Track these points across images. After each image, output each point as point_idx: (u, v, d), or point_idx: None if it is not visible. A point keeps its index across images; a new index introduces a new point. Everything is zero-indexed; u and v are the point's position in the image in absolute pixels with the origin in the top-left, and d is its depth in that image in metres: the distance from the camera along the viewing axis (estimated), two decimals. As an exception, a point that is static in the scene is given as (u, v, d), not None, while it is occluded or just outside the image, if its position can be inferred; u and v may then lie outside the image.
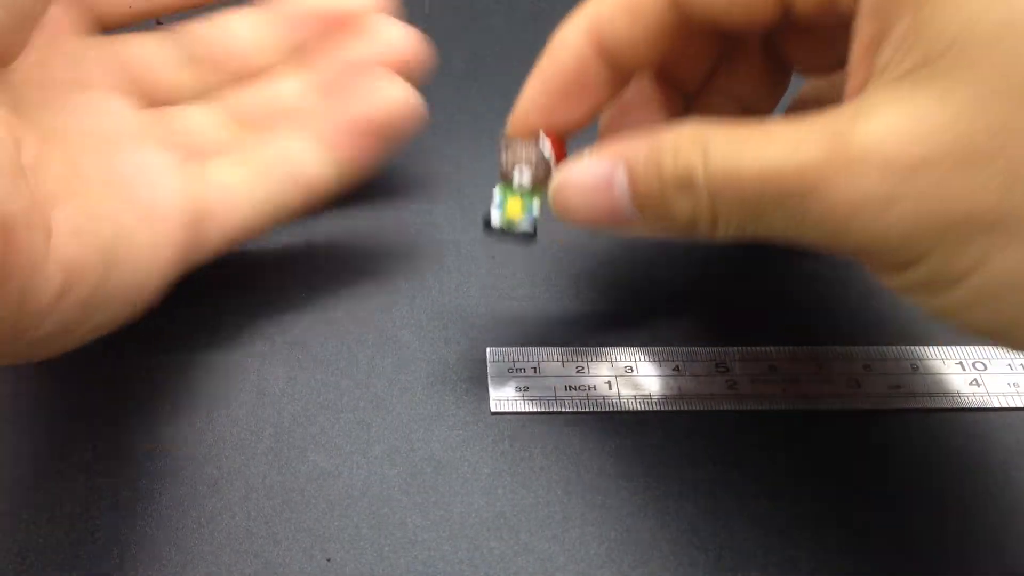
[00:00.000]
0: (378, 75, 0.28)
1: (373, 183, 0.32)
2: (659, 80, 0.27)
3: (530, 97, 0.25)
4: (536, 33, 0.38)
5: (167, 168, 0.26)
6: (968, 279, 0.18)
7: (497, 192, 0.26)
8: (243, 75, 0.29)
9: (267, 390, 0.27)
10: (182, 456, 0.26)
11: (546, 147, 0.25)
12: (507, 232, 0.26)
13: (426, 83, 0.30)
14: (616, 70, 0.24)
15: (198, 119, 0.29)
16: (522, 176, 0.25)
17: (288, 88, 0.29)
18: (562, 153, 0.25)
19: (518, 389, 0.27)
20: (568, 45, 0.24)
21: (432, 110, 0.35)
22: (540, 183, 0.25)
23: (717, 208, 0.21)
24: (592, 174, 0.23)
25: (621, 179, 0.22)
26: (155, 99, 0.29)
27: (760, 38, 0.26)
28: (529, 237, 0.26)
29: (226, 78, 0.29)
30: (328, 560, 0.24)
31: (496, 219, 0.25)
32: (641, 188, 0.22)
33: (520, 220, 0.25)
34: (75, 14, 0.28)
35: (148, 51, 0.29)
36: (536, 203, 0.25)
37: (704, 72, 0.27)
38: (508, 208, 0.25)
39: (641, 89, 0.27)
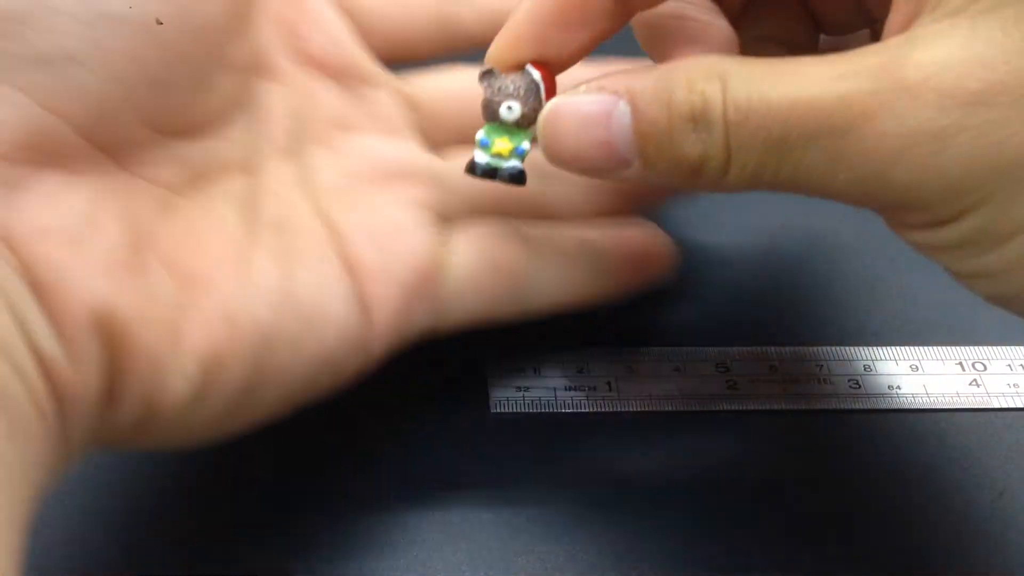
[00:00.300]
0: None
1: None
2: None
3: (519, 24, 0.22)
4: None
5: (417, 240, 0.24)
6: (1017, 238, 0.17)
7: (482, 132, 0.23)
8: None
9: (266, 389, 0.27)
10: (181, 455, 0.25)
11: (536, 75, 0.22)
12: (493, 174, 0.23)
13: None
14: (621, 1, 0.22)
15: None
16: (511, 111, 0.22)
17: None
18: (553, 90, 0.22)
19: (518, 389, 0.27)
20: None
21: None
22: (530, 120, 0.22)
23: (733, 146, 0.18)
24: (588, 106, 0.20)
25: (622, 113, 0.19)
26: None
27: None
28: (518, 179, 0.23)
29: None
30: (327, 560, 0.24)
31: (482, 159, 0.23)
32: (645, 123, 0.19)
33: (508, 160, 0.23)
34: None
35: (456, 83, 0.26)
36: (527, 143, 0.23)
37: (739, 7, 0.24)
38: (495, 147, 0.23)
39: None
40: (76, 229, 0.18)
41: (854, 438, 0.27)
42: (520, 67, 0.22)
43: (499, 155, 0.23)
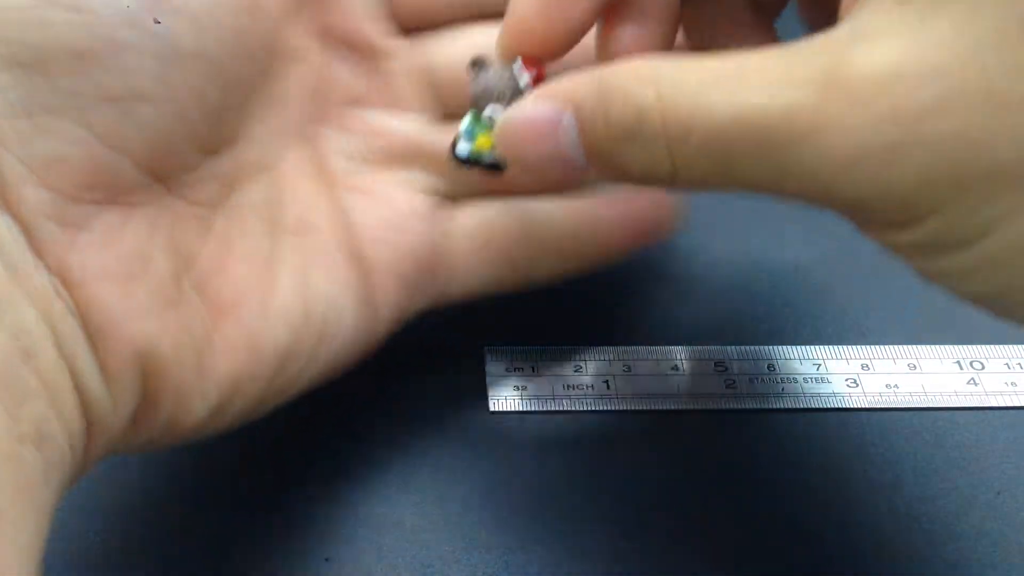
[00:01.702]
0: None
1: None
2: None
3: (520, 4, 0.21)
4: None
5: (412, 219, 0.25)
6: (981, 241, 0.16)
7: (467, 120, 0.23)
8: None
9: (264, 388, 0.27)
10: (178, 454, 0.25)
11: (523, 78, 0.22)
12: (474, 163, 0.23)
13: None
14: None
15: None
16: (494, 112, 0.22)
17: None
18: (541, 78, 0.22)
19: (516, 388, 0.27)
20: None
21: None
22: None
23: (677, 160, 0.17)
24: (537, 118, 0.20)
25: (569, 123, 0.19)
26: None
27: None
28: (496, 169, 0.23)
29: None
30: (326, 559, 0.24)
31: (464, 150, 0.23)
32: (588, 136, 0.19)
33: (488, 152, 0.23)
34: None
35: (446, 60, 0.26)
36: None
37: None
38: (477, 141, 0.23)
39: None
40: (129, 268, 0.18)
41: (852, 437, 0.27)
42: (511, 59, 0.22)
43: (480, 150, 0.23)
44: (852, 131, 0.16)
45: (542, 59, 0.22)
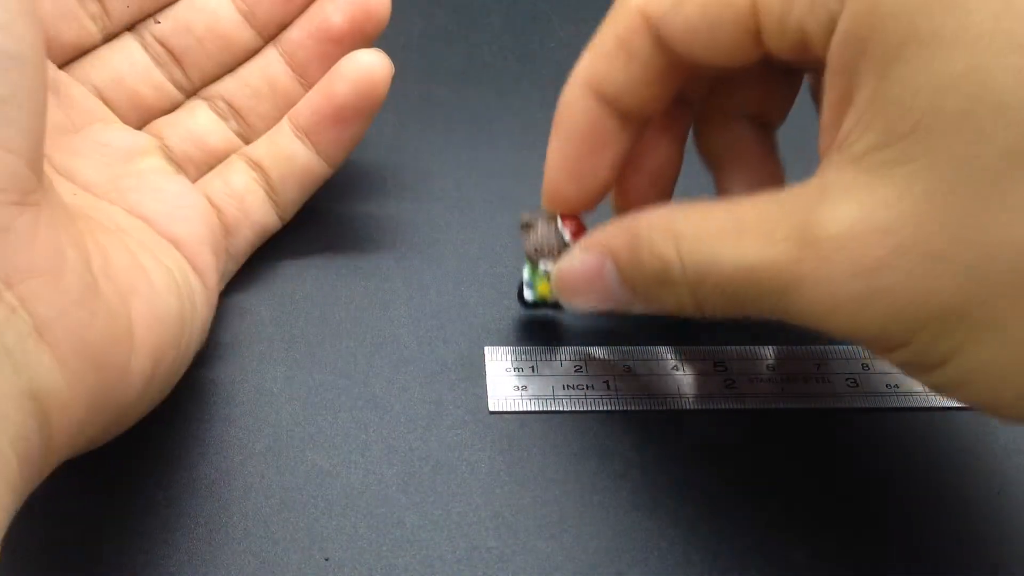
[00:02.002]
0: (347, 42, 0.29)
1: (372, 182, 0.32)
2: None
3: (555, 166, 0.25)
4: (534, 33, 0.38)
5: (191, 195, 0.27)
6: (948, 365, 0.18)
7: (526, 272, 0.27)
8: (226, 57, 0.29)
9: (265, 389, 0.27)
10: (179, 455, 0.26)
11: (565, 233, 0.26)
12: (540, 305, 0.27)
13: (425, 83, 0.30)
14: (626, 118, 0.24)
15: (202, 122, 0.29)
16: (547, 265, 0.26)
17: (268, 68, 0.29)
18: (580, 230, 0.26)
19: (516, 388, 0.27)
20: (574, 105, 0.24)
21: (431, 109, 0.35)
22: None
23: (700, 298, 0.21)
24: (584, 268, 0.24)
25: (611, 271, 0.23)
26: (151, 108, 0.29)
27: None
28: (559, 307, 0.27)
29: (211, 66, 0.29)
30: (326, 559, 0.24)
31: (529, 296, 0.27)
32: (628, 280, 0.23)
33: (551, 295, 0.27)
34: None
35: (129, 61, 0.29)
36: None
37: (706, 87, 0.26)
38: (539, 289, 0.27)
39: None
40: (53, 264, 0.19)
41: (852, 437, 0.27)
42: (553, 216, 0.26)
43: (544, 295, 0.27)
44: (825, 285, 0.19)
45: (576, 212, 0.26)
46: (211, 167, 0.29)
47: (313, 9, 0.29)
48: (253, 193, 0.29)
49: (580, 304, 0.25)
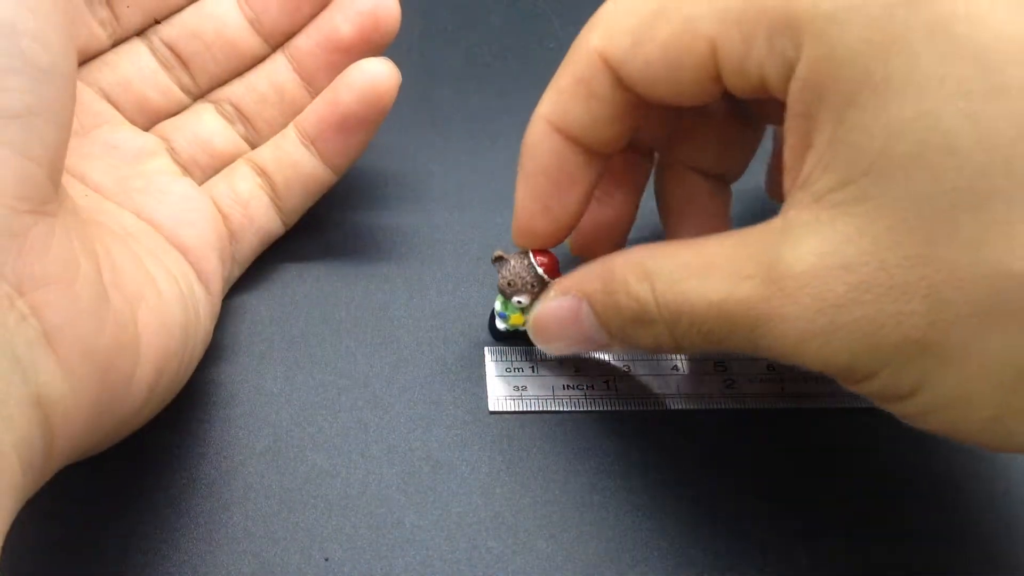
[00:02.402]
0: (354, 51, 0.29)
1: (372, 182, 0.32)
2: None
3: (524, 204, 0.25)
4: (535, 33, 0.38)
5: (198, 199, 0.27)
6: (916, 395, 0.19)
7: (498, 304, 0.27)
8: (233, 63, 0.29)
9: (265, 389, 0.27)
10: (180, 455, 0.26)
11: (536, 265, 0.26)
12: (511, 336, 0.28)
13: (425, 83, 0.30)
14: (591, 153, 0.24)
15: (209, 125, 0.29)
16: (520, 298, 0.26)
17: (276, 74, 0.29)
18: (553, 263, 0.26)
19: (516, 388, 0.27)
20: (539, 144, 0.25)
21: (431, 109, 0.35)
22: (536, 297, 0.26)
23: (677, 337, 0.22)
24: (560, 311, 0.25)
25: (587, 313, 0.24)
26: (158, 111, 0.29)
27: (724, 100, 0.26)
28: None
29: (219, 72, 0.29)
30: (326, 559, 0.24)
31: (502, 326, 0.28)
32: (605, 321, 0.24)
33: (523, 324, 0.27)
34: None
35: (136, 65, 0.29)
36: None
37: (665, 138, 0.27)
38: (512, 319, 0.27)
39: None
40: (66, 273, 0.20)
41: (853, 437, 0.27)
42: (525, 252, 0.26)
43: (516, 325, 0.27)
44: (792, 321, 0.19)
45: (548, 247, 0.26)
46: (216, 170, 0.29)
47: (322, 18, 0.29)
48: (258, 199, 0.29)
49: (557, 348, 0.26)
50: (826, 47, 0.19)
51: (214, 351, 0.28)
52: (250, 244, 0.29)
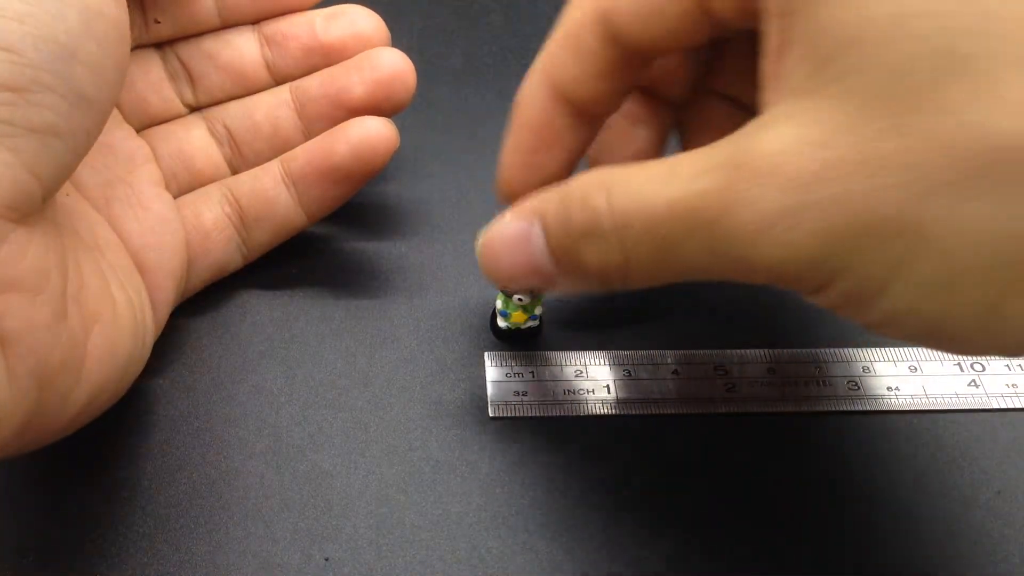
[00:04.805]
0: (360, 113, 0.28)
1: (371, 182, 0.32)
2: (644, 96, 0.27)
3: (508, 158, 0.25)
4: (534, 33, 0.38)
5: (174, 222, 0.27)
6: (890, 288, 0.17)
7: (499, 302, 0.28)
8: (239, 92, 0.29)
9: (265, 390, 0.27)
10: (180, 456, 0.26)
11: None
12: (513, 332, 0.28)
13: (425, 83, 0.30)
14: (581, 115, 0.24)
15: (196, 141, 0.29)
16: (522, 301, 0.27)
17: (276, 109, 0.29)
18: None
19: (516, 393, 0.27)
20: (530, 98, 0.24)
21: (431, 109, 0.35)
22: (538, 293, 0.27)
23: (626, 250, 0.20)
24: (511, 231, 0.23)
25: (537, 235, 0.22)
26: (154, 117, 0.29)
27: (745, 34, 0.25)
28: (532, 335, 0.28)
29: (222, 97, 0.29)
30: (326, 559, 0.24)
31: (503, 324, 0.28)
32: (554, 240, 0.22)
33: (524, 322, 0.27)
34: None
35: (143, 70, 0.29)
36: (537, 309, 0.28)
37: (688, 81, 0.26)
38: (513, 318, 0.27)
39: (626, 111, 0.26)
40: (35, 282, 0.20)
41: (853, 439, 0.27)
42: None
43: (517, 323, 0.28)
44: (755, 203, 0.18)
45: None
46: (192, 188, 0.29)
47: (337, 70, 0.28)
48: (220, 231, 0.28)
49: (504, 275, 0.23)
50: None
51: (214, 350, 0.28)
52: (200, 276, 0.28)
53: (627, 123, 0.27)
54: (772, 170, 0.17)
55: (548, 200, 0.22)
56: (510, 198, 0.25)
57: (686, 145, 0.27)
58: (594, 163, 0.27)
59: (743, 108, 0.26)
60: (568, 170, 0.25)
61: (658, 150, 0.27)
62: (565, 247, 0.21)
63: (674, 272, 0.20)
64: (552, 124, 0.24)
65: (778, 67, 0.19)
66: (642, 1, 0.22)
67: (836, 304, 0.18)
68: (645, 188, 0.19)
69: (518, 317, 0.27)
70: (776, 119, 0.18)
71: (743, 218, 0.18)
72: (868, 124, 0.17)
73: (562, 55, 0.23)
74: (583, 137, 0.25)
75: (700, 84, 0.26)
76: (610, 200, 0.20)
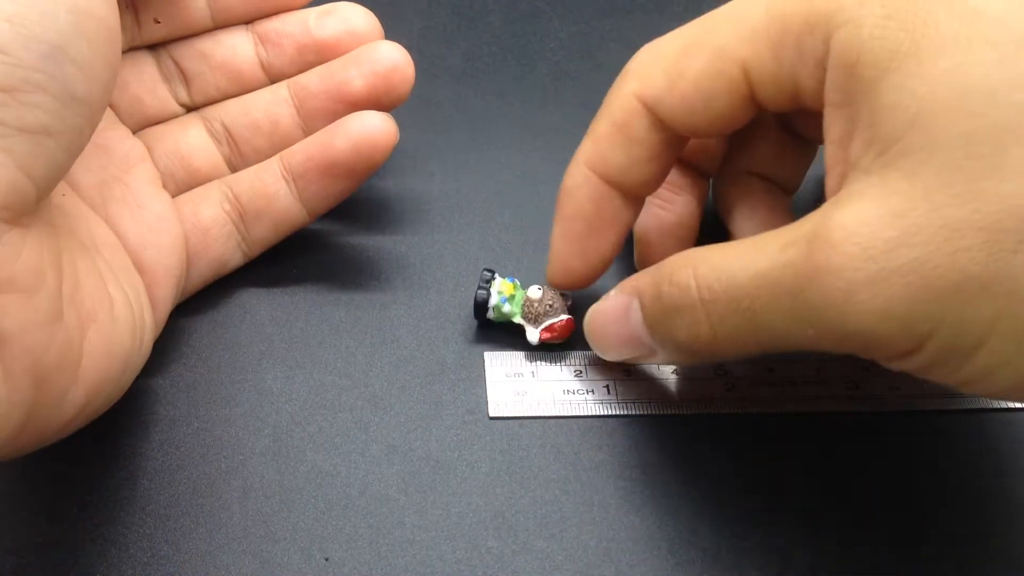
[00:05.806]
0: (360, 107, 0.28)
1: (371, 182, 0.32)
2: (680, 166, 0.28)
3: (560, 247, 0.27)
4: (534, 33, 0.38)
5: (171, 220, 0.27)
6: (988, 342, 0.18)
7: (495, 296, 0.28)
8: (234, 91, 0.29)
9: (265, 390, 0.27)
10: (180, 456, 0.26)
11: (568, 299, 0.28)
12: (501, 323, 0.29)
13: (424, 83, 0.30)
14: (628, 196, 0.26)
15: (193, 140, 0.29)
16: (538, 325, 0.28)
17: (274, 106, 0.29)
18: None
19: (517, 393, 0.27)
20: (578, 188, 0.26)
21: (430, 108, 0.35)
22: (552, 312, 0.28)
23: (713, 323, 0.21)
24: (613, 306, 0.25)
25: (635, 309, 0.24)
26: (149, 118, 0.29)
27: (774, 115, 0.27)
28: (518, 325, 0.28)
29: (218, 96, 0.29)
30: (326, 559, 0.24)
31: (491, 316, 0.28)
32: (648, 315, 0.24)
33: (515, 317, 0.28)
34: None
35: (138, 70, 0.29)
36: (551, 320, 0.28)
37: (719, 155, 0.28)
38: (514, 307, 0.28)
39: (667, 182, 0.28)
40: (30, 282, 0.20)
41: (853, 440, 0.27)
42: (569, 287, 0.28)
43: (501, 317, 0.28)
44: (840, 272, 0.19)
45: (582, 287, 0.28)
46: (190, 187, 0.29)
47: (336, 65, 0.29)
48: (219, 227, 0.28)
49: (608, 350, 0.26)
50: (852, 32, 0.20)
51: (214, 350, 0.28)
52: (200, 274, 0.28)
53: (669, 193, 0.29)
54: (854, 240, 0.19)
55: (642, 279, 0.24)
56: (565, 282, 0.27)
57: (722, 211, 0.29)
58: (640, 235, 0.29)
59: (772, 182, 0.28)
60: (619, 248, 0.27)
61: (697, 217, 0.29)
62: (658, 320, 0.23)
63: (759, 343, 0.21)
64: (603, 210, 0.26)
65: (846, 152, 0.20)
66: (692, 92, 0.23)
67: (928, 364, 0.19)
68: (730, 263, 0.21)
69: (501, 314, 0.28)
70: (851, 196, 0.19)
71: (829, 287, 0.19)
72: (940, 192, 0.18)
73: (610, 145, 0.25)
74: (631, 216, 0.26)
75: (728, 159, 0.28)
76: (696, 275, 0.22)
